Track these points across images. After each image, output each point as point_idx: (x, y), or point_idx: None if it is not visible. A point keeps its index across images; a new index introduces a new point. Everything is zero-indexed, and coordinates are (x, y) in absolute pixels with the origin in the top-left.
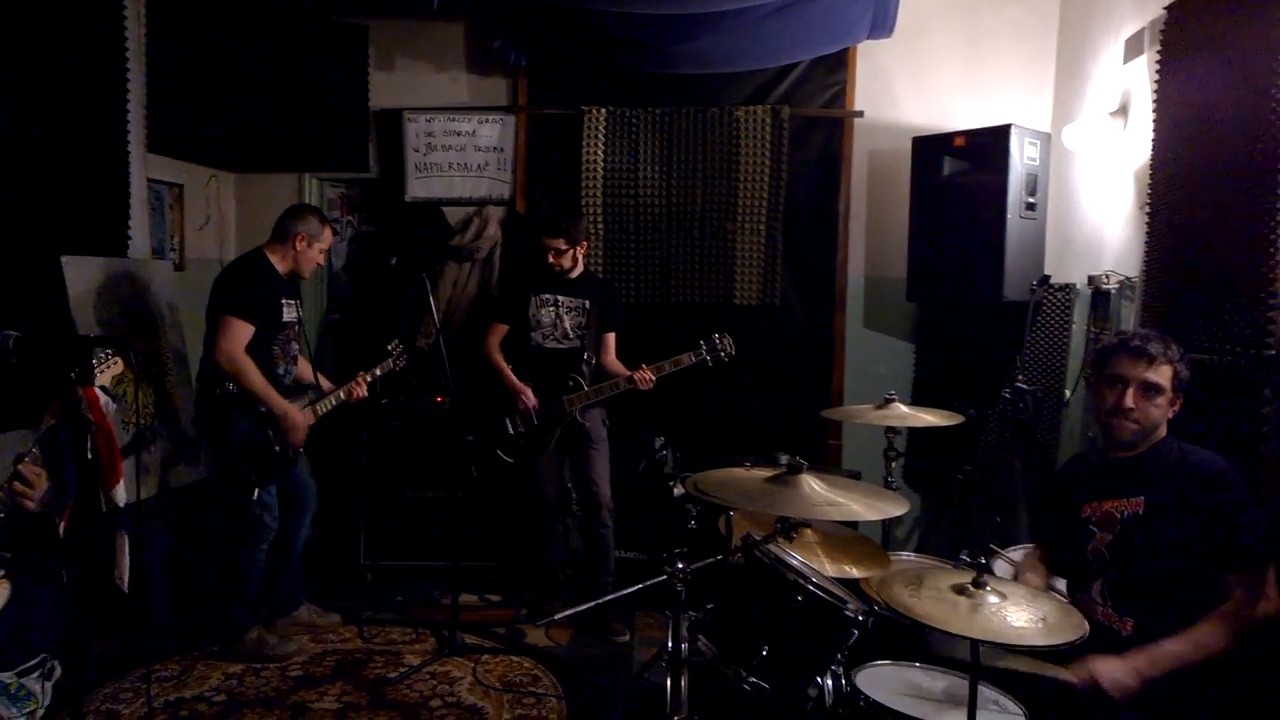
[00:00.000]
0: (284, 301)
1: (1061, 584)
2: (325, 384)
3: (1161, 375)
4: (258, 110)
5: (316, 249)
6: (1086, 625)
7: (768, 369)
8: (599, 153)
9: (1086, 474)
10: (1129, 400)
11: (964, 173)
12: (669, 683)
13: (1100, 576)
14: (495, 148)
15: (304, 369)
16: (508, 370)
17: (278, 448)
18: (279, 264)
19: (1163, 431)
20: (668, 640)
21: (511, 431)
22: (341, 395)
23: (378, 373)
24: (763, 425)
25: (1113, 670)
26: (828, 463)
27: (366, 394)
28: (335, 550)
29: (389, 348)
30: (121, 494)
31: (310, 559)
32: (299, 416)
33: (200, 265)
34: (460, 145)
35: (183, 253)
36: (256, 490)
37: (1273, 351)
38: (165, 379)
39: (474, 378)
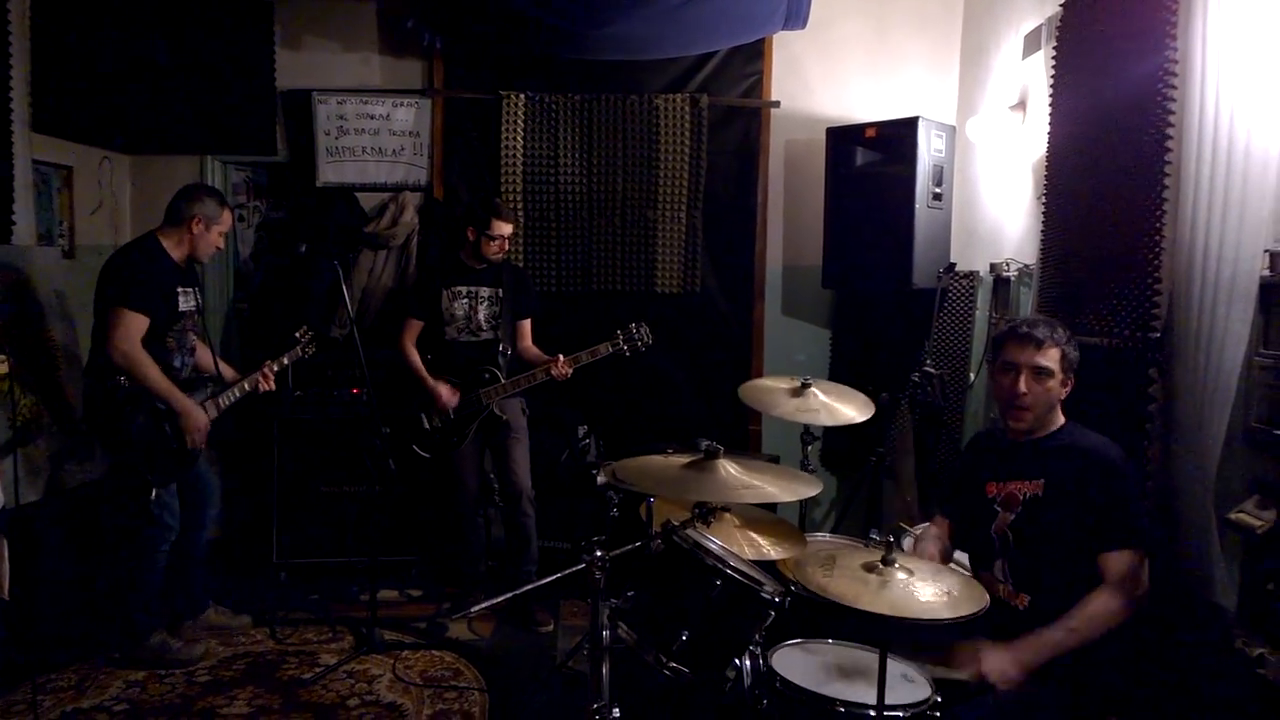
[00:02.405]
0: (180, 290)
1: (962, 556)
2: (228, 374)
3: (1049, 358)
4: (154, 88)
5: (215, 232)
6: (988, 598)
7: (690, 356)
8: (518, 139)
9: (992, 452)
10: (1022, 385)
11: (875, 163)
12: (590, 671)
13: (1002, 555)
14: (411, 132)
15: (204, 359)
16: (424, 371)
17: (176, 445)
18: (173, 249)
19: (1060, 415)
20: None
21: (428, 426)
22: (246, 386)
23: (285, 361)
24: (685, 412)
25: (998, 661)
26: (749, 448)
27: (273, 386)
28: (246, 549)
29: (296, 335)
30: None
31: (220, 559)
32: (201, 416)
33: (92, 252)
34: (374, 129)
35: (72, 239)
36: (155, 490)
37: (1158, 334)
38: (55, 373)
39: (390, 369)
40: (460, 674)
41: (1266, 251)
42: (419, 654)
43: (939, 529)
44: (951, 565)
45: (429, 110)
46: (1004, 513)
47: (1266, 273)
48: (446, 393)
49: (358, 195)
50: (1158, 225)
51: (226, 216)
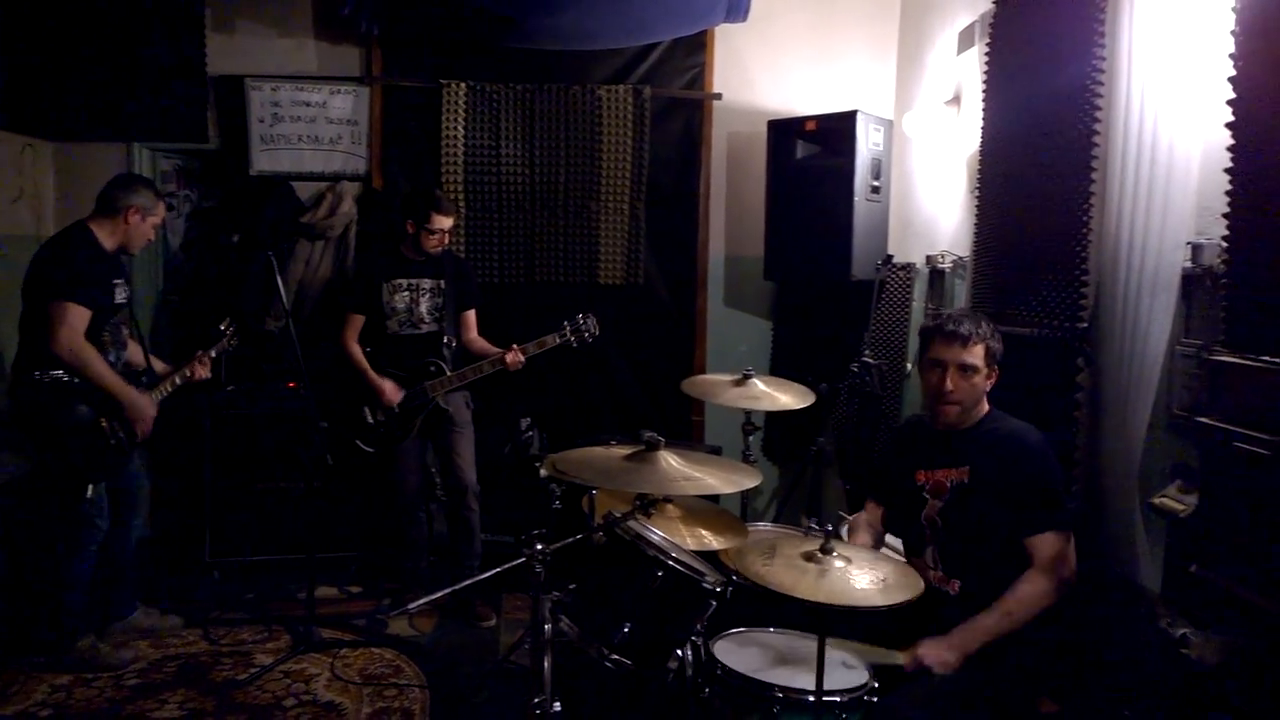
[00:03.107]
0: (114, 282)
1: (896, 542)
2: (160, 367)
3: (975, 355)
4: (77, 73)
5: (150, 223)
6: (922, 584)
7: (633, 348)
8: (459, 128)
9: (921, 441)
10: (949, 383)
11: (815, 156)
12: (532, 665)
13: (932, 542)
14: (349, 120)
15: (134, 353)
16: (367, 367)
17: (113, 441)
18: (106, 240)
19: (985, 405)
20: None
21: (371, 420)
22: (178, 379)
23: (213, 354)
24: (629, 404)
25: (934, 649)
26: (691, 438)
27: (209, 374)
28: (177, 548)
29: (221, 327)
30: None
31: (150, 558)
32: (148, 407)
33: (13, 242)
34: (310, 117)
35: None
36: (90, 487)
37: (1084, 324)
38: None
39: (330, 362)
40: (401, 671)
41: (1188, 244)
42: (358, 652)
43: (870, 515)
44: (884, 550)
45: (367, 98)
46: (933, 500)
47: (1188, 264)
48: (390, 389)
49: (293, 185)
50: (1085, 219)
51: (161, 208)
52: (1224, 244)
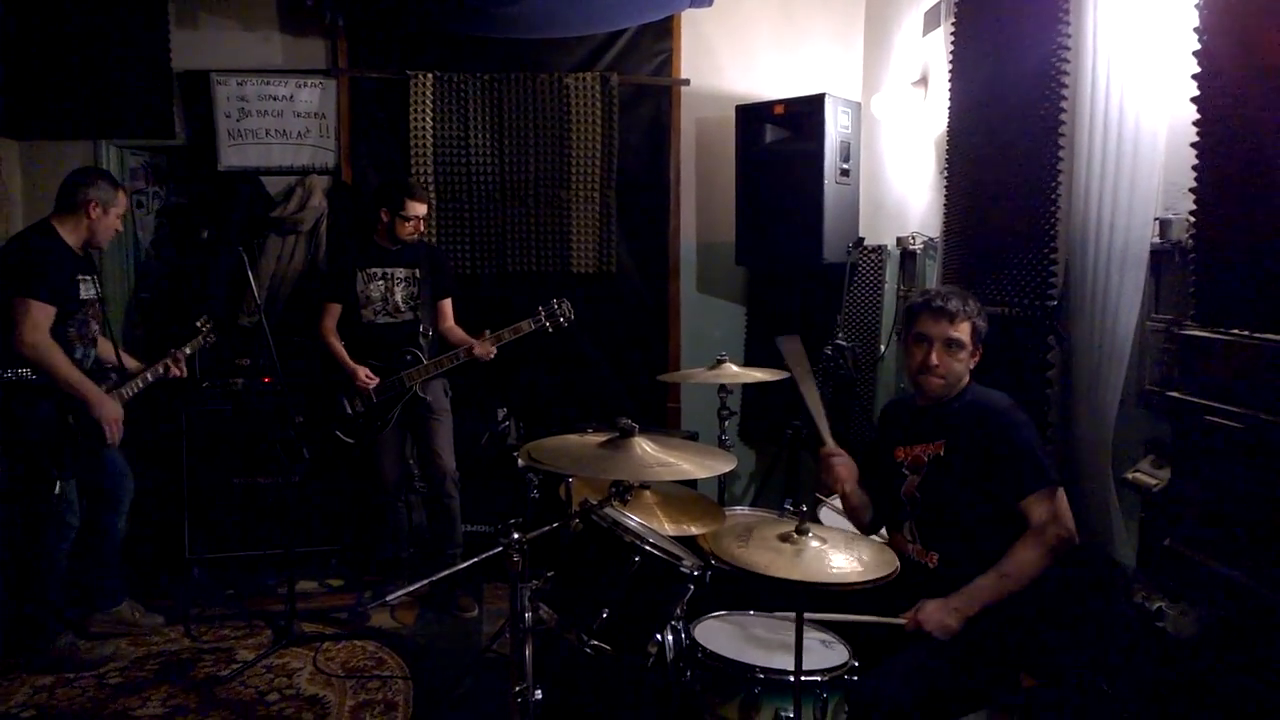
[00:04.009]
0: (80, 278)
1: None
2: (131, 365)
3: (962, 331)
4: (42, 71)
5: (113, 215)
6: (898, 563)
7: (607, 336)
8: (427, 119)
9: (902, 419)
10: (934, 358)
11: (784, 140)
12: (512, 654)
13: (911, 516)
14: (316, 113)
15: (105, 350)
16: (343, 353)
17: (82, 437)
18: (70, 236)
19: (966, 380)
20: None
21: (350, 411)
22: (149, 377)
23: (188, 351)
24: (604, 392)
25: (935, 612)
26: (667, 425)
27: (184, 372)
28: (157, 546)
29: (198, 324)
30: None
31: (130, 556)
32: (114, 407)
33: None
34: (277, 110)
35: None
36: (58, 484)
37: (1054, 302)
38: None
39: (305, 355)
40: (384, 663)
41: (1156, 219)
42: (340, 645)
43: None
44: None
45: (334, 91)
46: (911, 475)
47: (1157, 240)
48: (365, 373)
49: (263, 179)
50: (1053, 197)
51: (121, 198)
52: (1191, 219)
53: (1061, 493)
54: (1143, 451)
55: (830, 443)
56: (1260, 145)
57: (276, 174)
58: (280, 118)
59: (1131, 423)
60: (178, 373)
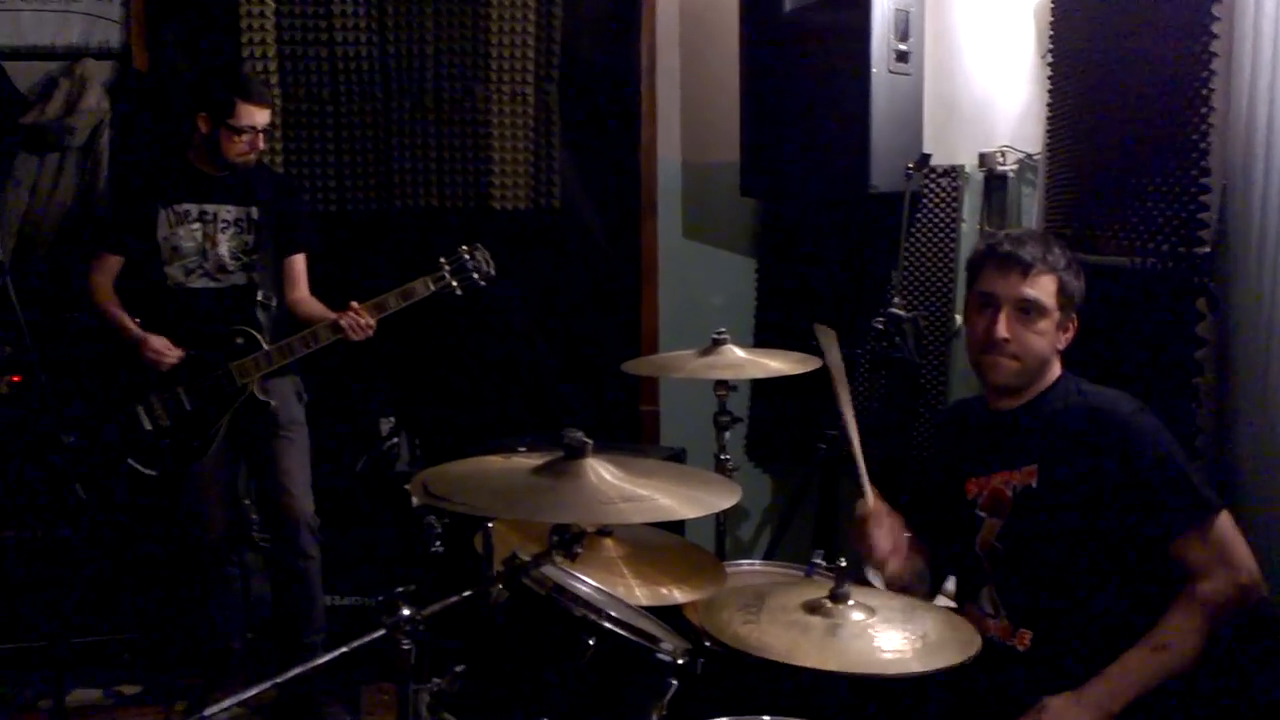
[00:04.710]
0: None
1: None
2: None
3: (1041, 289)
4: None
5: None
6: (979, 640)
7: (548, 305)
8: None
9: (973, 434)
10: (1002, 328)
11: (812, 9)
12: None
13: (992, 578)
14: None
15: None
16: (125, 319)
17: None
18: None
19: (1056, 369)
20: None
21: (149, 425)
22: None
23: None
24: (544, 389)
25: (1063, 712)
26: (642, 438)
27: None
28: None
29: None
30: None
31: None
32: None
33: None
34: None
35: None
36: None
37: (1207, 247)
38: None
39: (79, 339)
40: None
41: None
42: None
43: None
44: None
45: None
46: (990, 519)
47: None
48: (160, 343)
49: (6, 66)
50: (1204, 93)
51: None
52: None
53: (1228, 521)
54: None
55: (870, 497)
56: None
57: (29, 58)
58: None
59: None
60: None
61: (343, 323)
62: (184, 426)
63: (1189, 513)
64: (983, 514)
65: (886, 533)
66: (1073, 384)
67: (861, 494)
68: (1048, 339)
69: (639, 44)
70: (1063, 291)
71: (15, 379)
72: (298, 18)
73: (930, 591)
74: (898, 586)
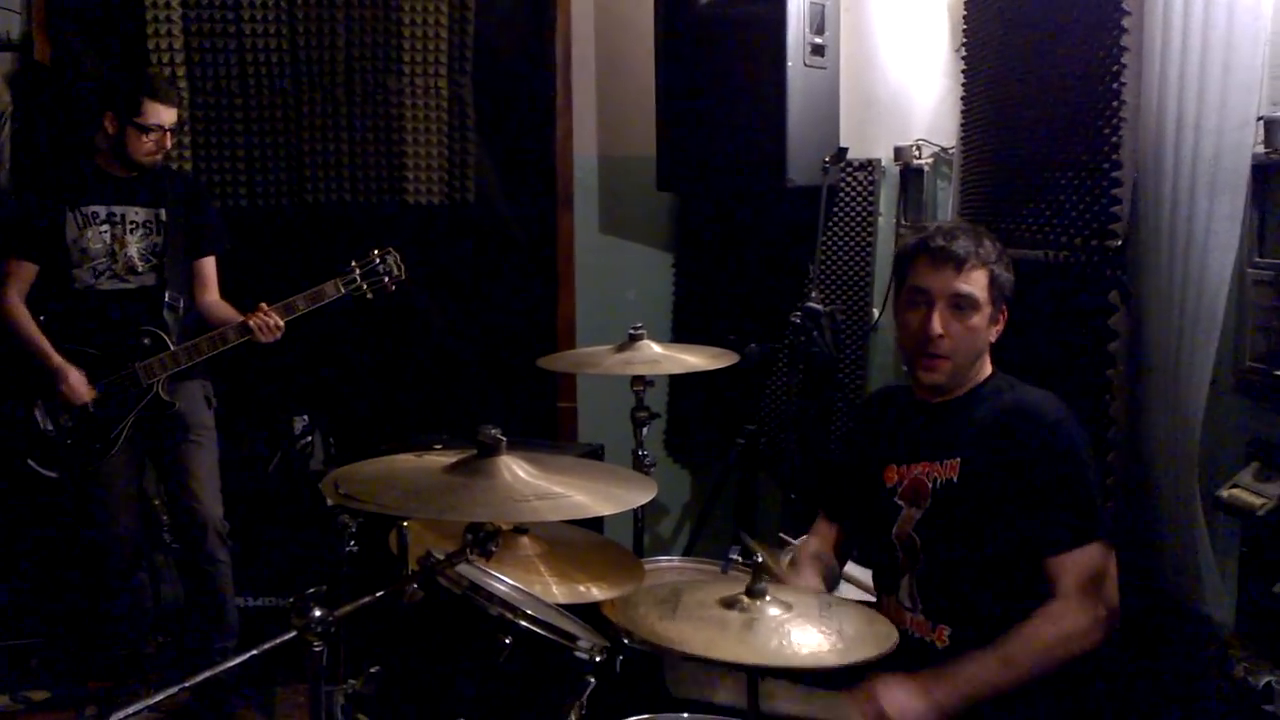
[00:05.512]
0: None
1: (861, 572)
2: None
3: (975, 283)
4: None
5: None
6: (896, 635)
7: (463, 301)
8: None
9: (895, 421)
10: (936, 324)
11: (726, 2)
12: None
13: (909, 570)
14: None
15: None
16: (42, 341)
17: None
18: None
19: (987, 365)
20: None
21: (50, 426)
22: None
23: None
24: (461, 386)
25: (901, 698)
26: (558, 435)
27: None
28: None
29: None
30: None
31: None
32: None
33: None
34: None
35: None
36: None
37: (1118, 241)
38: None
39: None
40: None
41: (1260, 119)
42: None
43: (819, 539)
44: (843, 588)
45: None
46: (909, 509)
47: (1260, 149)
48: (77, 380)
49: None
50: (1114, 87)
51: None
52: None
53: (1101, 552)
54: (1244, 458)
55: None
56: None
57: None
58: None
59: (1227, 415)
60: None
61: (251, 323)
62: (86, 427)
63: (1071, 534)
64: (901, 503)
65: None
66: (1003, 382)
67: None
68: (980, 333)
69: (554, 37)
70: (994, 284)
71: None
72: (204, 8)
73: (838, 572)
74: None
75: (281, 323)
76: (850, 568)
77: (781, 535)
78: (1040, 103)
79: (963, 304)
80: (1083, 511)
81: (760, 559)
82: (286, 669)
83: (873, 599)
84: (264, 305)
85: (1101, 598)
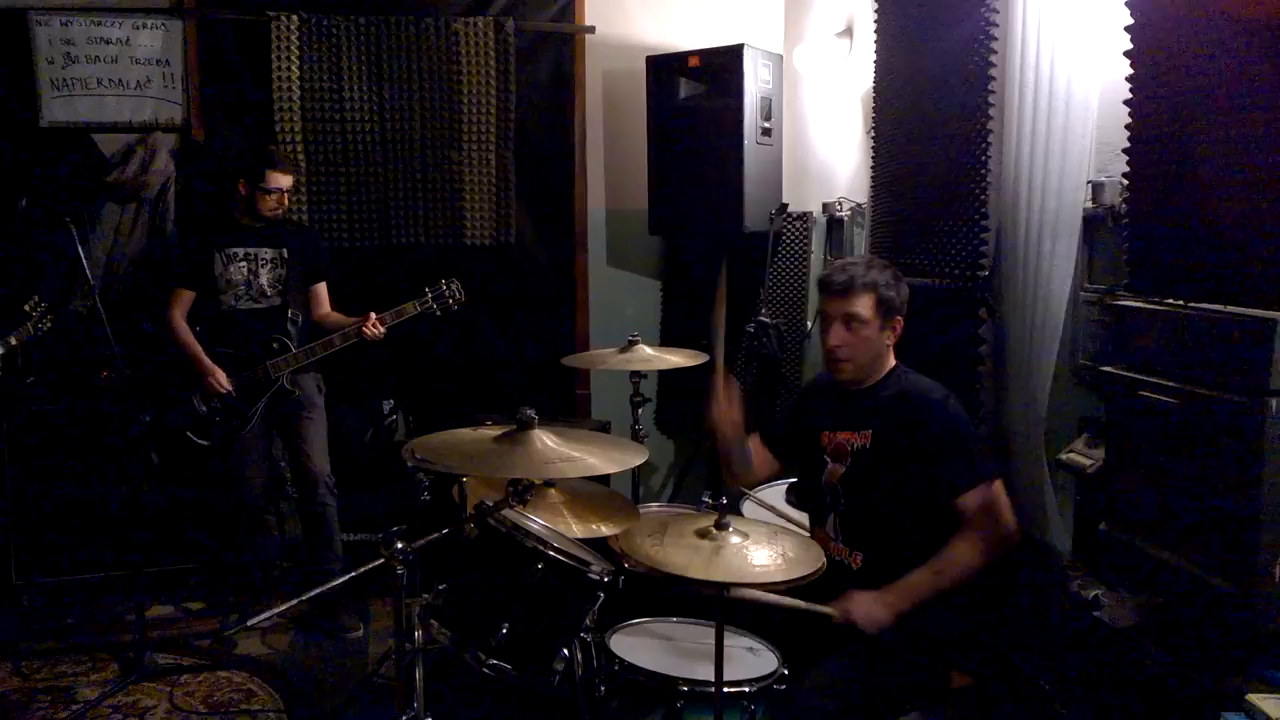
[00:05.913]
0: None
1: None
2: None
3: (861, 304)
4: None
5: None
6: (824, 558)
7: (507, 316)
8: (293, 68)
9: (828, 400)
10: (833, 338)
11: (700, 95)
12: (400, 677)
13: (833, 509)
14: (159, 60)
15: None
16: (198, 350)
17: None
18: None
19: (889, 361)
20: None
21: (205, 408)
22: None
23: (13, 342)
24: (505, 378)
25: (865, 604)
26: (576, 414)
27: None
28: None
29: (26, 308)
30: None
31: None
32: None
33: None
34: (111, 56)
35: None
36: None
37: (986, 272)
38: None
39: (151, 343)
40: (253, 696)
41: (1089, 183)
42: (201, 677)
43: (758, 455)
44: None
45: (180, 33)
46: (833, 464)
47: (1089, 205)
48: (222, 378)
49: (95, 137)
50: (983, 159)
51: None
52: (1125, 181)
53: (999, 486)
54: (1077, 430)
55: (720, 370)
56: (1194, 98)
57: (112, 131)
58: (115, 65)
59: (1066, 400)
60: None
61: (364, 329)
62: (230, 409)
63: (968, 475)
64: (829, 460)
65: (727, 397)
66: (902, 373)
67: (714, 369)
68: (872, 341)
69: (573, 121)
70: (880, 303)
71: (105, 374)
72: (316, 101)
73: (753, 482)
74: (724, 452)
75: (384, 329)
76: (790, 511)
77: (741, 488)
78: (928, 170)
79: (852, 322)
80: (970, 461)
81: (724, 501)
82: (378, 587)
83: (807, 533)
84: (372, 314)
85: (1000, 523)
